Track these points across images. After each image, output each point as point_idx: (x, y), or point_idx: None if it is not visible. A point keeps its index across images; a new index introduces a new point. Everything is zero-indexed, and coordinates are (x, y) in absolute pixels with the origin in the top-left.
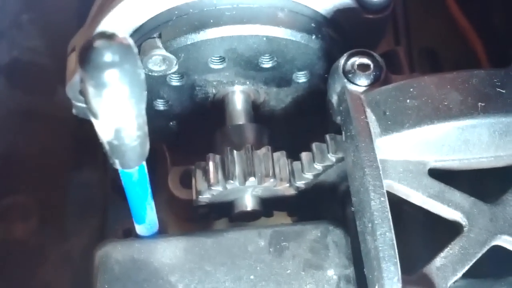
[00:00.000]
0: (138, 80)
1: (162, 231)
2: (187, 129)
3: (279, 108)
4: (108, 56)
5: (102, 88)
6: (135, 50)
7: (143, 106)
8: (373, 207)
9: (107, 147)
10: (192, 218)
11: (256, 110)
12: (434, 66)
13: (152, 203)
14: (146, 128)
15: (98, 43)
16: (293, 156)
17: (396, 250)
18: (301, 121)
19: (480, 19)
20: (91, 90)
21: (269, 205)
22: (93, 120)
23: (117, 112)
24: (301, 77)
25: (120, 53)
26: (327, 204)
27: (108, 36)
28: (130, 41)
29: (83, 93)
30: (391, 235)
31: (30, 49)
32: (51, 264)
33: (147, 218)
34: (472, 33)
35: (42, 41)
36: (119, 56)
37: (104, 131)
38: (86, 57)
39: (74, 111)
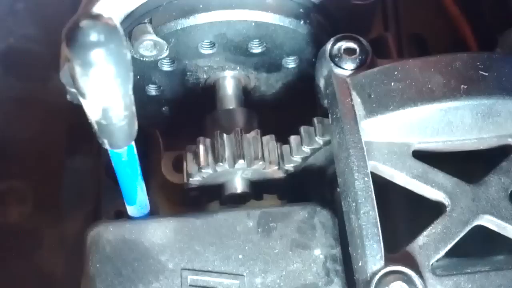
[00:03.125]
0: (123, 60)
1: (155, 214)
2: (179, 114)
3: (269, 93)
4: (93, 36)
5: (89, 68)
6: (121, 30)
7: (130, 86)
8: (357, 186)
9: (95, 126)
10: (185, 201)
11: (247, 95)
12: (422, 52)
13: (143, 185)
14: (133, 108)
15: (83, 23)
16: (284, 140)
17: (380, 229)
18: (292, 106)
19: (470, 5)
20: (78, 70)
21: (259, 188)
22: (81, 100)
23: (104, 91)
24: (290, 63)
25: (106, 33)
26: (316, 187)
27: (94, 17)
28: (116, 22)
29: (70, 73)
30: (374, 214)
31: (25, 36)
32: (46, 247)
33: (137, 199)
34: (461, 18)
35: (37, 28)
36: (105, 35)
37: (92, 110)
38: (72, 37)
39: (68, 97)
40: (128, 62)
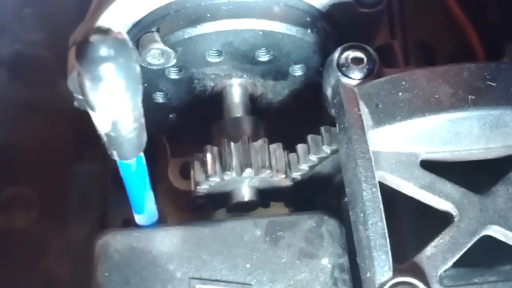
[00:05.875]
0: (133, 73)
1: (163, 222)
2: (186, 121)
3: (276, 101)
4: (103, 51)
5: (98, 82)
6: (130, 44)
7: (139, 99)
8: (365, 197)
9: (105, 138)
10: (191, 208)
11: (254, 103)
12: (429, 60)
13: (151, 193)
14: (142, 120)
15: (93, 37)
16: (291, 148)
17: (388, 239)
18: (298, 114)
19: (477, 12)
20: (87, 84)
21: (266, 196)
22: (90, 112)
23: (113, 105)
24: (297, 71)
25: (115, 48)
26: (323, 195)
27: (104, 31)
28: (125, 36)
29: (80, 86)
30: (382, 224)
31: (31, 42)
32: (52, 254)
33: (145, 208)
34: (468, 26)
35: (43, 34)
36: (114, 50)
37: (102, 123)
38: (82, 51)
39: (75, 103)
40: (138, 76)
